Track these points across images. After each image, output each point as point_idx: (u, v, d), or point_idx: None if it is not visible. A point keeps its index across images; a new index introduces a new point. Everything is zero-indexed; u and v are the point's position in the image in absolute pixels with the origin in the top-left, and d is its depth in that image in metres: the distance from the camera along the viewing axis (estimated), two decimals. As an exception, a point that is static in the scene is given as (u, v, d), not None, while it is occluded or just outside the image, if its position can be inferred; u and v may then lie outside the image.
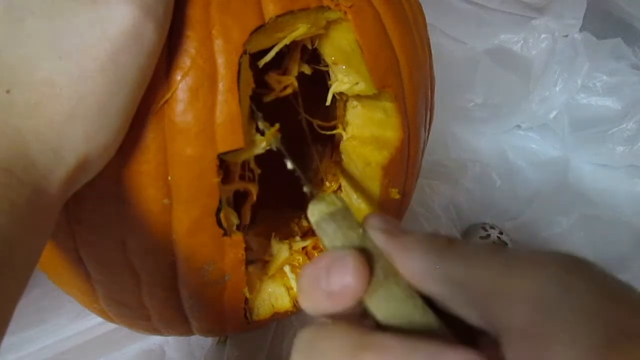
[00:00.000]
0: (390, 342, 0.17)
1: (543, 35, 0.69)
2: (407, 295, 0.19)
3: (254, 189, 0.36)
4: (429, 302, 0.20)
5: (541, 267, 0.17)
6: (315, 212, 0.22)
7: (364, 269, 0.19)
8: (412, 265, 0.20)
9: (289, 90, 0.37)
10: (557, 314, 0.16)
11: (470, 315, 0.19)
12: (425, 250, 0.19)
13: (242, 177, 0.35)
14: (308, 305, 0.20)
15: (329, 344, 0.18)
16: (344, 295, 0.19)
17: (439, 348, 0.16)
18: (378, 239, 0.21)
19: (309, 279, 0.20)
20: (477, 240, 0.56)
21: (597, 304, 0.16)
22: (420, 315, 0.19)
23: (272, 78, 0.37)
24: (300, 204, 0.44)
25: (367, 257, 0.20)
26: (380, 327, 0.19)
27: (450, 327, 0.19)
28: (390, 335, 0.17)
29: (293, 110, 0.39)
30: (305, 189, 0.27)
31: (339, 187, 0.39)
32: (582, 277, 0.17)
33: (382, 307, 0.19)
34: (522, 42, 0.69)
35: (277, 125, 0.32)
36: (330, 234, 0.21)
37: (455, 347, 0.16)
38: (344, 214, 0.22)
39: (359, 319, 0.20)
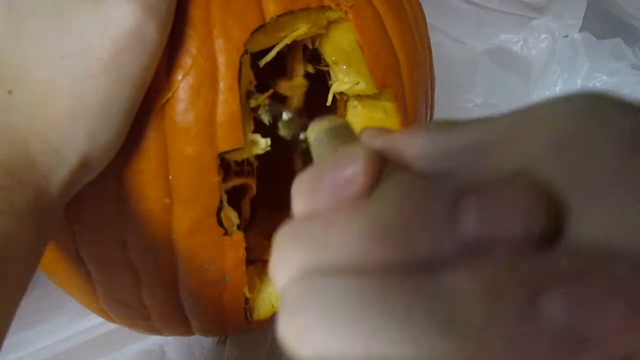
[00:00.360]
0: None
1: (543, 36, 0.69)
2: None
3: (253, 183, 0.36)
4: None
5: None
6: (315, 128, 0.20)
7: (376, 158, 0.15)
8: (417, 149, 0.16)
9: (303, 90, 0.37)
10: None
11: None
12: (427, 133, 0.16)
13: (240, 173, 0.35)
14: (303, 207, 0.16)
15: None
16: (353, 186, 0.14)
17: None
18: (378, 141, 0.17)
19: (309, 177, 0.16)
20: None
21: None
22: None
23: (283, 86, 0.37)
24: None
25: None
26: None
27: None
28: None
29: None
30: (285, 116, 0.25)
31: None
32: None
33: None
34: (522, 42, 0.69)
35: (270, 91, 0.32)
36: (330, 146, 0.19)
37: None
38: (346, 129, 0.19)
39: None
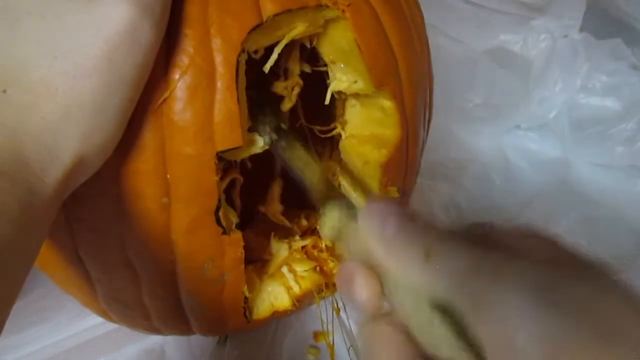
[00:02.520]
0: None
1: (543, 36, 0.69)
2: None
3: (238, 175, 0.36)
4: None
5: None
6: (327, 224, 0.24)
7: (372, 286, 0.21)
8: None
9: (297, 90, 0.37)
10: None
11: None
12: (406, 264, 0.20)
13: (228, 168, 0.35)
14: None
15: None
16: (368, 305, 0.22)
17: None
18: (374, 248, 0.21)
19: (341, 288, 0.23)
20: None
21: None
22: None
23: (279, 86, 0.37)
24: (300, 204, 0.44)
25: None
26: None
27: None
28: None
29: (292, 108, 0.39)
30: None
31: (339, 185, 0.39)
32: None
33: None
34: (521, 42, 0.69)
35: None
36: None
37: None
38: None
39: None
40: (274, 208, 0.42)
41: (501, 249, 0.19)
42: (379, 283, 0.21)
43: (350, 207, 0.23)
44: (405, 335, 0.20)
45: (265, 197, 0.42)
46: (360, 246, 0.22)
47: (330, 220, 0.23)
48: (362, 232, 0.21)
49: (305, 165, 0.33)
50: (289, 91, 0.37)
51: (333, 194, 0.26)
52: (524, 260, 0.18)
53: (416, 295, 0.19)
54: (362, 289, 0.22)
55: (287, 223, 0.42)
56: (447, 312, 0.19)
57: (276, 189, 0.42)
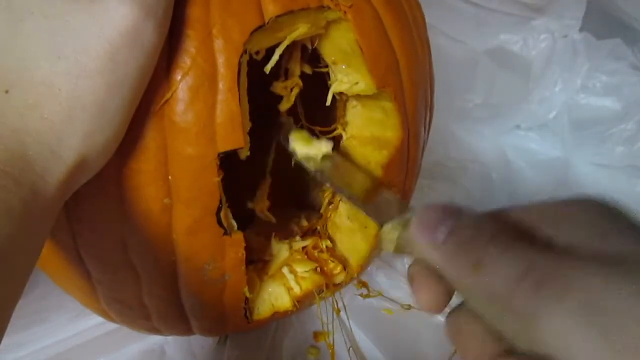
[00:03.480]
0: None
1: (543, 36, 0.69)
2: None
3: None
4: None
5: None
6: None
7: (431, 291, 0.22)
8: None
9: (296, 90, 0.37)
10: None
11: None
12: (459, 274, 0.21)
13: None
14: None
15: None
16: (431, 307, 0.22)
17: None
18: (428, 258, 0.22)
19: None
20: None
21: None
22: None
23: (278, 87, 0.37)
24: (300, 204, 0.44)
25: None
26: None
27: None
28: None
29: (292, 109, 0.39)
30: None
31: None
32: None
33: None
34: (521, 42, 0.69)
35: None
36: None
37: None
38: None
39: None
40: (262, 205, 0.42)
41: (543, 241, 0.19)
42: (441, 286, 0.22)
43: (403, 213, 0.23)
44: (484, 324, 0.21)
45: (255, 194, 0.43)
46: (418, 255, 0.22)
47: (387, 235, 0.24)
48: (415, 242, 0.22)
49: (351, 178, 0.33)
50: (287, 92, 0.37)
51: (380, 202, 0.26)
52: (571, 265, 0.18)
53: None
54: (422, 295, 0.22)
55: (272, 219, 0.42)
56: None
57: (265, 187, 0.43)
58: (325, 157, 0.33)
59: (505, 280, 0.18)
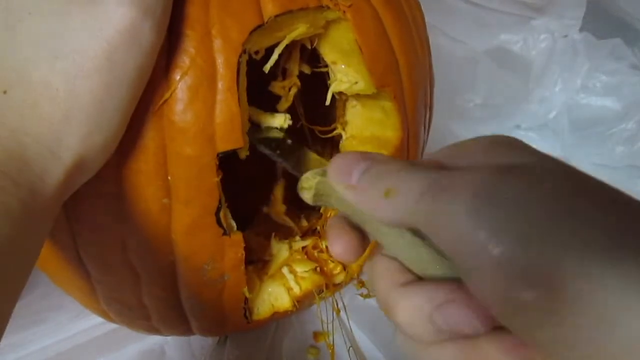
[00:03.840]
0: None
1: (543, 36, 0.69)
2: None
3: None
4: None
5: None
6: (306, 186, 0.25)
7: (344, 240, 0.23)
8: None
9: (294, 90, 0.37)
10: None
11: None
12: (372, 205, 0.21)
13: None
14: None
15: None
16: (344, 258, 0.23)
17: None
18: (344, 198, 0.22)
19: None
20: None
21: None
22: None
23: (277, 86, 0.37)
24: (300, 204, 0.44)
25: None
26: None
27: None
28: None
29: (292, 109, 0.39)
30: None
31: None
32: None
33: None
34: (521, 42, 0.69)
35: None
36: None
37: None
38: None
39: None
40: (278, 209, 0.42)
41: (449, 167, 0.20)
42: (354, 236, 0.23)
43: (324, 171, 0.24)
44: (397, 263, 0.22)
45: (269, 199, 0.42)
46: (337, 200, 0.23)
47: (306, 182, 0.24)
48: (332, 185, 0.22)
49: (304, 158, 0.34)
50: (286, 91, 0.37)
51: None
52: (464, 173, 0.18)
53: (392, 228, 0.21)
54: (335, 245, 0.23)
55: (291, 224, 0.42)
56: (421, 235, 0.20)
57: (279, 190, 0.42)
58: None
59: (411, 198, 0.19)
